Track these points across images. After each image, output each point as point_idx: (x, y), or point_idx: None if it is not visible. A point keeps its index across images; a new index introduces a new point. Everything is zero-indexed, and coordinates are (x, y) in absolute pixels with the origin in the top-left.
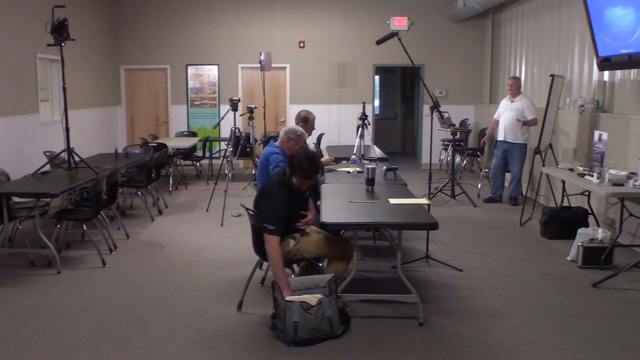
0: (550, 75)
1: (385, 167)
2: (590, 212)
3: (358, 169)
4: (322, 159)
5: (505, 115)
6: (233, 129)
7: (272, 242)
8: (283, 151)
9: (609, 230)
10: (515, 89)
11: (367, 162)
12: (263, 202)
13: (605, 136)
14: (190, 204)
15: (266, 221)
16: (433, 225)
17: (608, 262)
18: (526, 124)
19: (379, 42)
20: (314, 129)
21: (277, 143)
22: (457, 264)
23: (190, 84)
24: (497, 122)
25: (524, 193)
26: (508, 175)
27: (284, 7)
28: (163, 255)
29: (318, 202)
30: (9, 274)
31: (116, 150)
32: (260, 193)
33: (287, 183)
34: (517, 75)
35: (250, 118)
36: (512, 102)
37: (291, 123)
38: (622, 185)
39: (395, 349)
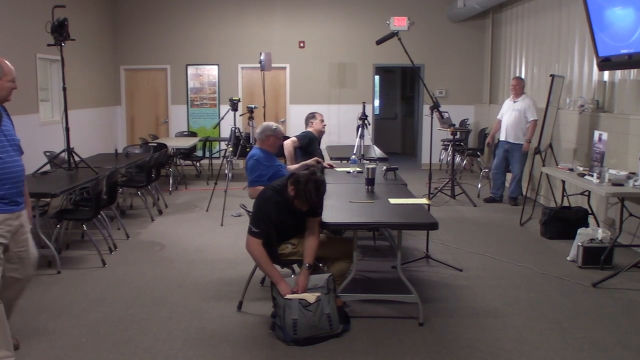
0: (550, 75)
1: (385, 167)
2: (590, 212)
3: (358, 169)
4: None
5: (508, 116)
6: (233, 129)
7: (250, 242)
8: (265, 151)
9: (609, 230)
10: (519, 89)
11: (367, 162)
12: (254, 204)
13: (605, 136)
14: (190, 204)
15: (252, 223)
16: (433, 225)
17: (608, 262)
18: (529, 140)
19: (379, 42)
20: (325, 124)
21: (257, 145)
22: (457, 264)
23: (190, 84)
24: (500, 123)
25: (524, 193)
26: (509, 175)
27: (284, 7)
28: (163, 255)
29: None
30: None
31: (116, 150)
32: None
33: (285, 196)
34: (517, 75)
35: (250, 118)
36: (515, 102)
37: (293, 123)
38: (622, 185)
39: (395, 349)
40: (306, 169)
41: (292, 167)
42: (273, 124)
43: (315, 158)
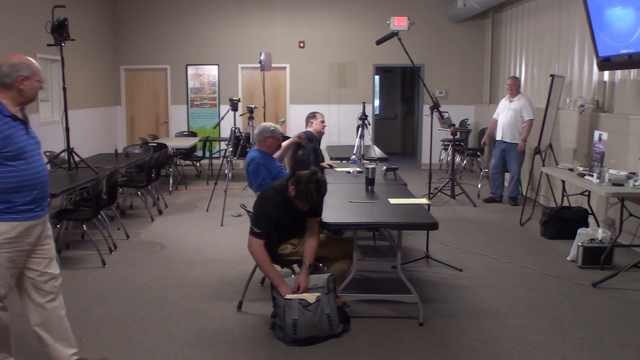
0: (550, 75)
1: (385, 167)
2: (590, 212)
3: (358, 169)
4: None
5: (504, 115)
6: (233, 129)
7: (252, 243)
8: (264, 153)
9: (609, 230)
10: (515, 89)
11: (367, 162)
12: (255, 204)
13: (605, 136)
14: (190, 204)
15: (253, 223)
16: (433, 225)
17: (608, 262)
18: (525, 139)
19: (378, 42)
20: (325, 124)
21: (256, 147)
22: (457, 264)
23: (190, 84)
24: (496, 122)
25: (524, 193)
26: (508, 175)
27: (284, 7)
28: (163, 255)
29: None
30: None
31: (116, 150)
32: (258, 195)
33: (286, 196)
34: (517, 75)
35: (250, 118)
36: (511, 101)
37: (293, 123)
38: (622, 185)
39: (395, 349)
40: (296, 148)
41: (279, 151)
42: (271, 125)
43: (298, 134)
